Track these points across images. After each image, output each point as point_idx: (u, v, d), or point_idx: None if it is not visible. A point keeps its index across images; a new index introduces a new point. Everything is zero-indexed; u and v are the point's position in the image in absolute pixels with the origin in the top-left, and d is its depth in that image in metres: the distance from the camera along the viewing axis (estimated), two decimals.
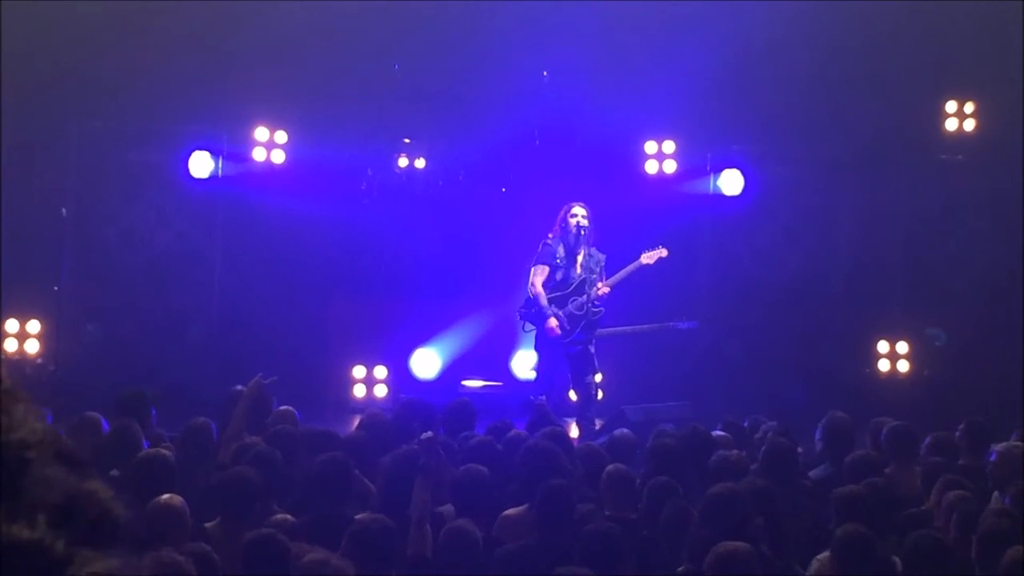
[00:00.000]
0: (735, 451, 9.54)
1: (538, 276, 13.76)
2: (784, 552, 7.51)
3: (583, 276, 13.75)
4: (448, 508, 8.03)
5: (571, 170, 16.32)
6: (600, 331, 14.09)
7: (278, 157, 16.65)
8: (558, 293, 13.74)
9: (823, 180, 17.51)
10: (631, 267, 14.01)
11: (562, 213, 13.84)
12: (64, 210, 16.39)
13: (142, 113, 16.43)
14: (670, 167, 17.05)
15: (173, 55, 16.13)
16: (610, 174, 16.68)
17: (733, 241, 17.50)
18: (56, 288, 16.36)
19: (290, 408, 10.69)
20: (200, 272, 16.91)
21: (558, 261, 13.76)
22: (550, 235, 13.89)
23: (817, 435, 10.15)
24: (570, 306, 13.71)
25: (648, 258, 14.05)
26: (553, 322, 13.57)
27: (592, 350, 13.89)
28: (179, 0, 16.11)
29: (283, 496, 8.28)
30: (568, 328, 13.69)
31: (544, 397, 13.30)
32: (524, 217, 15.88)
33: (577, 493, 8.17)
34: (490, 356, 16.69)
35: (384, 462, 8.34)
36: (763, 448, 9.32)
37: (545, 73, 16.56)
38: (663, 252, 14.08)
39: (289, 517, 7.55)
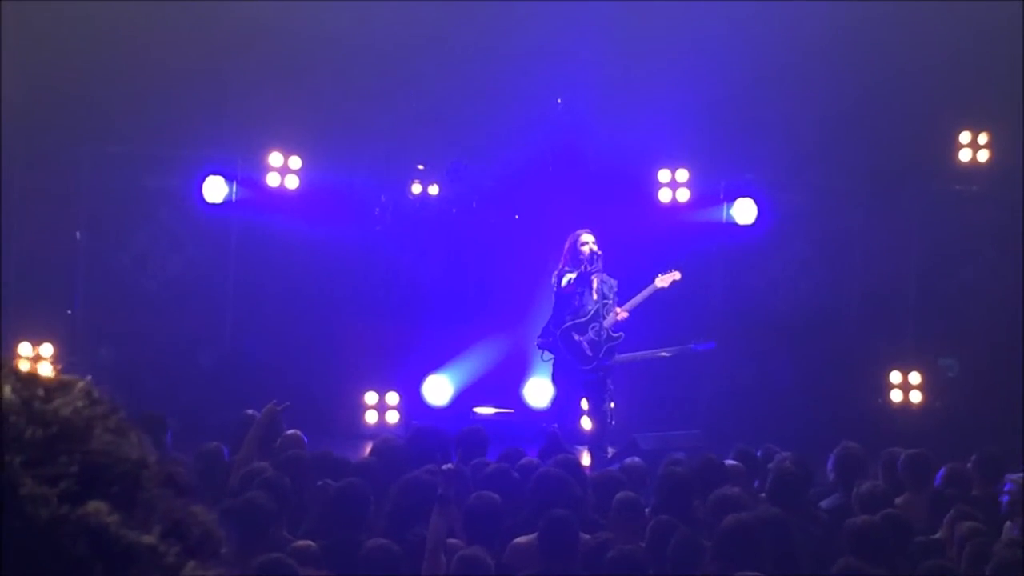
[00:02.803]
0: (736, 488, 9.50)
1: (568, 277, 13.73)
2: None
3: (599, 303, 13.76)
4: (456, 542, 8.02)
5: (584, 198, 16.32)
6: (618, 357, 14.09)
7: (292, 182, 16.68)
8: (577, 320, 13.75)
9: (836, 210, 17.51)
10: (647, 291, 14.03)
11: (570, 242, 13.85)
12: (78, 234, 16.45)
13: (156, 138, 16.47)
14: (683, 195, 17.05)
15: (187, 80, 16.18)
16: (623, 202, 16.68)
17: (746, 270, 17.49)
18: (69, 312, 16.42)
19: (297, 432, 10.68)
20: (213, 297, 16.94)
21: (577, 288, 13.77)
22: (562, 265, 13.89)
23: (829, 465, 10.14)
24: (590, 332, 13.72)
25: (663, 281, 14.06)
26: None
27: (609, 377, 13.90)
28: (194, 27, 16.17)
29: (293, 521, 8.27)
30: (589, 355, 13.70)
31: (557, 424, 13.30)
32: (537, 244, 15.89)
33: (586, 522, 8.16)
34: (502, 383, 16.67)
35: (391, 489, 8.33)
36: (773, 477, 9.30)
37: (560, 100, 16.58)
38: (677, 275, 14.10)
39: (311, 544, 7.54)
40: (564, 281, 13.73)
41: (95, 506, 1.46)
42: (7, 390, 1.51)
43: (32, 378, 1.56)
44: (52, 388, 1.55)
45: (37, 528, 1.43)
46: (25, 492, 1.43)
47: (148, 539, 1.49)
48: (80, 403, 1.54)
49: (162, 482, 1.57)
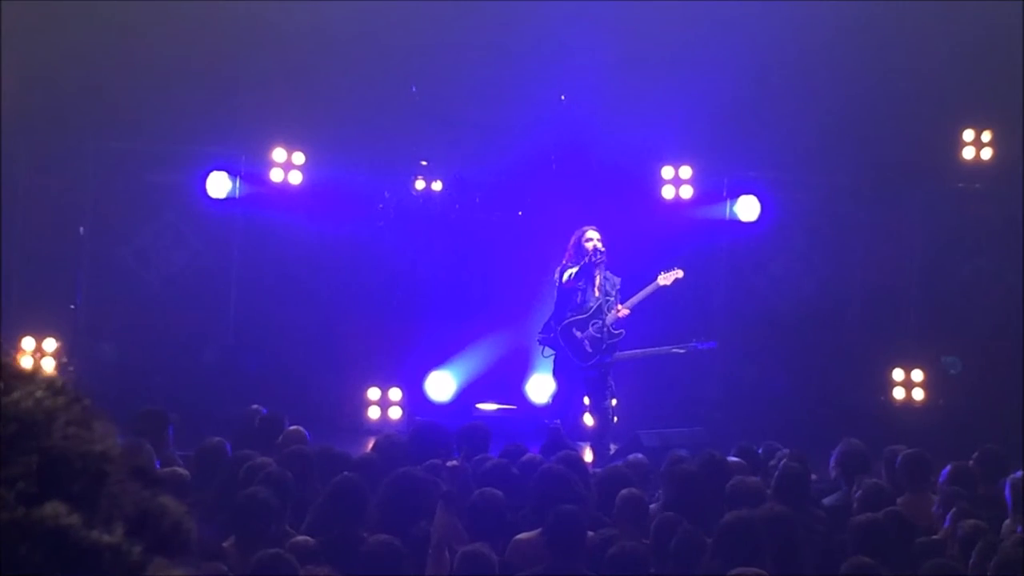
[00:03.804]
0: (754, 477, 9.49)
1: (569, 271, 13.71)
2: None
3: (600, 299, 13.75)
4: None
5: (587, 194, 16.32)
6: (619, 354, 14.09)
7: (295, 178, 16.68)
8: (578, 316, 13.74)
9: (840, 207, 17.51)
10: (649, 288, 14.02)
11: (575, 238, 13.84)
12: (81, 229, 16.47)
13: (160, 134, 16.48)
14: (687, 192, 17.05)
15: (191, 76, 16.19)
16: (626, 199, 16.68)
17: (749, 267, 17.49)
18: (72, 307, 16.43)
19: (300, 428, 10.69)
20: (216, 292, 16.95)
21: (579, 284, 13.76)
22: (565, 261, 13.89)
23: (831, 462, 10.14)
24: (591, 329, 13.71)
25: (665, 279, 14.05)
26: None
27: (610, 374, 13.90)
28: (198, 23, 16.17)
29: (296, 516, 8.27)
30: (590, 351, 13.70)
31: (559, 421, 13.30)
32: (540, 240, 15.89)
33: (589, 518, 8.16)
34: (505, 379, 16.67)
35: (383, 482, 8.30)
36: (777, 474, 9.30)
37: (563, 97, 16.57)
38: (679, 273, 14.09)
39: (310, 540, 7.54)
40: (565, 276, 13.72)
41: (54, 508, 1.41)
42: None
43: None
44: (12, 379, 1.49)
45: None
46: None
47: (110, 539, 1.44)
48: (41, 394, 1.49)
49: (128, 474, 1.52)
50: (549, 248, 14.88)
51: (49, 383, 1.52)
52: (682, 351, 15.22)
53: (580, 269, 13.67)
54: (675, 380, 16.35)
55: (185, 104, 16.26)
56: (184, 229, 16.94)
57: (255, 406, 11.48)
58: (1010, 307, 16.91)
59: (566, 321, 13.77)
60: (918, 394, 17.12)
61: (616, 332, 13.80)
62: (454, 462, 8.02)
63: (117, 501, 1.48)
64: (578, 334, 13.72)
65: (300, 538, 7.56)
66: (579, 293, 13.78)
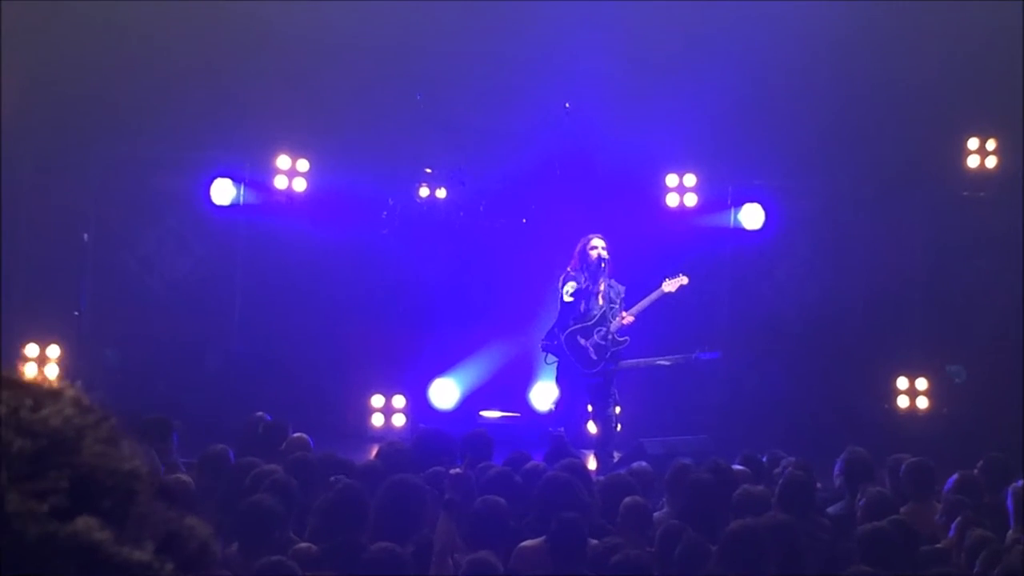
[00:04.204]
0: (760, 486, 9.48)
1: (570, 286, 13.73)
2: None
3: (605, 307, 13.75)
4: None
5: (592, 202, 16.32)
6: (623, 363, 14.08)
7: (299, 185, 16.69)
8: (581, 324, 13.74)
9: (844, 215, 17.51)
10: (653, 295, 14.02)
11: (581, 245, 13.84)
12: (85, 235, 16.46)
13: (164, 140, 16.49)
14: (691, 200, 17.05)
15: (196, 82, 16.21)
16: (631, 206, 16.68)
17: (753, 275, 17.48)
18: (76, 313, 16.43)
19: (303, 435, 10.70)
20: (220, 299, 16.96)
21: (579, 297, 13.77)
22: (569, 268, 13.89)
23: (836, 471, 10.13)
24: (595, 336, 13.71)
25: (670, 286, 14.05)
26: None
27: (614, 382, 13.89)
28: (202, 29, 16.18)
29: (299, 523, 8.27)
30: (594, 359, 13.69)
31: (563, 429, 13.29)
32: (544, 248, 15.90)
33: (593, 527, 8.14)
34: (509, 387, 16.67)
35: (379, 489, 8.28)
36: (781, 482, 9.29)
37: (567, 104, 16.56)
38: (684, 280, 14.09)
39: (312, 547, 7.54)
40: (565, 295, 13.74)
41: (86, 522, 1.40)
42: None
43: (19, 385, 1.49)
44: (41, 396, 1.49)
45: (25, 546, 1.37)
46: (12, 508, 1.38)
47: (141, 555, 1.44)
48: (70, 411, 1.48)
49: (156, 493, 1.52)
50: (553, 255, 14.89)
51: (77, 401, 1.51)
52: (685, 361, 15.22)
53: (577, 290, 13.69)
54: (679, 388, 16.35)
55: (189, 111, 16.28)
56: (188, 235, 16.95)
57: (259, 413, 11.49)
58: (1014, 315, 16.89)
59: (570, 329, 13.77)
60: (922, 402, 17.11)
61: (620, 340, 13.80)
62: (457, 470, 8.01)
63: (145, 520, 1.48)
64: (582, 342, 13.72)
65: (303, 545, 7.55)
66: (583, 301, 13.78)
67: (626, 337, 13.84)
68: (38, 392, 1.50)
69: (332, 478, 8.71)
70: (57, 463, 1.43)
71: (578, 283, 13.75)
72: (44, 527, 1.38)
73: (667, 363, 15.24)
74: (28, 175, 16.29)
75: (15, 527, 1.37)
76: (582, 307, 13.78)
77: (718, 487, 8.99)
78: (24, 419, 1.45)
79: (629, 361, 14.35)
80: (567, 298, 13.78)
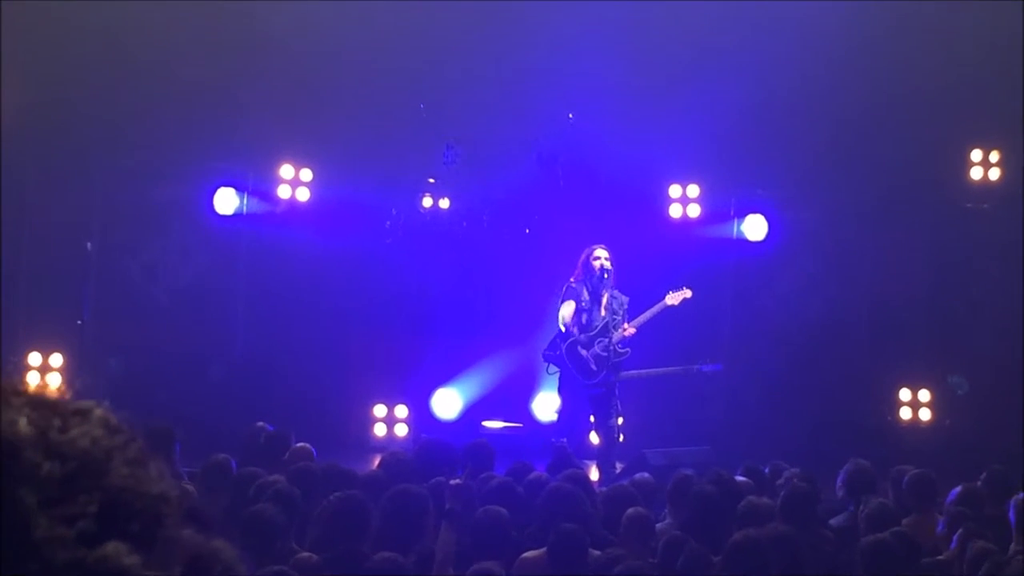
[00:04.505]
0: (765, 498, 9.47)
1: (567, 309, 13.79)
2: None
3: (607, 318, 13.75)
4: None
5: (595, 213, 16.32)
6: (624, 373, 14.08)
7: (303, 195, 16.70)
8: (584, 335, 13.74)
9: (847, 226, 17.50)
10: (656, 308, 14.03)
11: (584, 256, 13.86)
12: (89, 244, 16.48)
13: (168, 149, 16.49)
14: (694, 211, 17.06)
15: (199, 93, 16.21)
16: (634, 217, 16.68)
17: (756, 286, 17.48)
18: (79, 322, 16.45)
19: (307, 445, 10.71)
20: (223, 309, 16.95)
21: (583, 304, 13.78)
22: (572, 279, 13.90)
23: (838, 482, 10.12)
24: (596, 347, 13.71)
25: (673, 299, 14.05)
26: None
27: (616, 393, 13.88)
28: (206, 39, 16.20)
29: (302, 533, 8.27)
30: (595, 369, 13.69)
31: (565, 439, 13.29)
32: (547, 259, 15.89)
33: (595, 537, 8.14)
34: (511, 397, 16.66)
35: (382, 499, 8.29)
36: (784, 493, 9.28)
37: (571, 115, 16.57)
38: (688, 293, 14.09)
39: (314, 556, 7.54)
40: (560, 320, 13.79)
41: (114, 548, 1.39)
42: (22, 422, 1.42)
43: (47, 405, 1.47)
44: (68, 416, 1.47)
45: (53, 572, 1.36)
46: (41, 534, 1.36)
47: None
48: (98, 432, 1.47)
49: (184, 516, 1.51)
50: (556, 266, 14.89)
51: (105, 421, 1.50)
52: (686, 373, 15.23)
53: (577, 309, 13.73)
54: (681, 399, 16.34)
55: (193, 120, 16.28)
56: (191, 245, 16.94)
57: (260, 423, 11.49)
58: (1017, 328, 16.86)
59: (571, 339, 13.78)
60: (925, 414, 17.10)
61: (622, 351, 13.80)
62: (457, 480, 8.01)
63: (172, 544, 1.47)
64: (583, 352, 13.72)
65: (304, 554, 7.56)
66: (584, 312, 13.78)
67: (627, 348, 13.84)
68: (66, 411, 1.48)
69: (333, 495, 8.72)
70: (86, 486, 1.42)
71: (577, 301, 13.77)
72: (73, 553, 1.37)
73: (668, 374, 15.24)
74: (32, 184, 16.29)
75: (44, 553, 1.36)
76: (583, 318, 13.79)
77: (721, 498, 8.98)
78: (52, 440, 1.43)
79: (630, 372, 14.35)
80: (560, 325, 13.84)
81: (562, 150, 16.48)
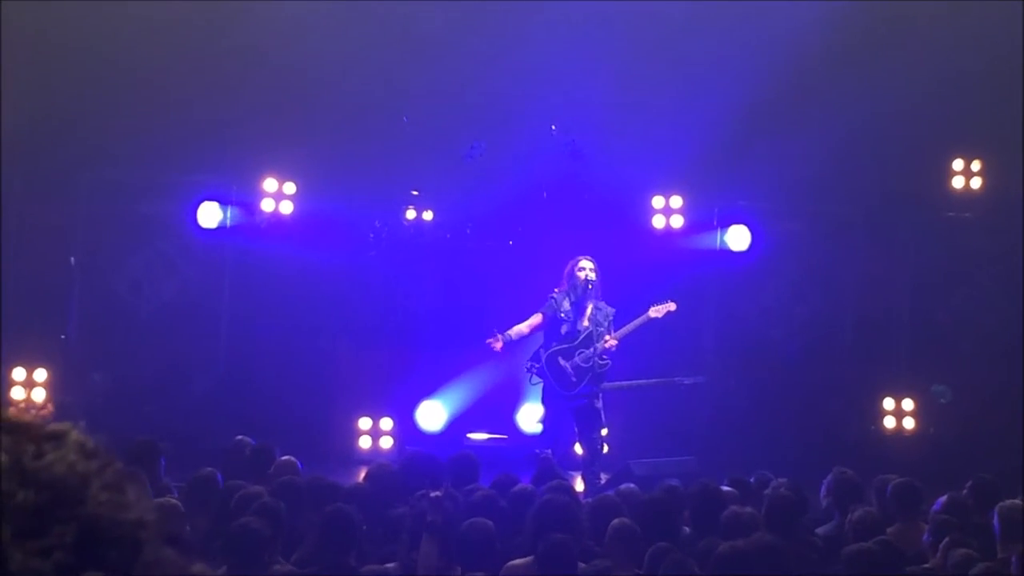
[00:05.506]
0: (748, 508, 9.47)
1: (533, 319, 13.84)
2: None
3: (590, 329, 13.74)
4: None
5: (578, 224, 16.33)
6: (606, 385, 14.07)
7: (286, 208, 16.69)
8: (564, 345, 13.73)
9: (830, 236, 17.54)
10: (639, 320, 14.01)
11: (569, 267, 13.85)
12: (72, 259, 16.45)
13: (151, 163, 16.48)
14: (677, 222, 17.08)
15: (183, 105, 16.20)
16: (617, 228, 16.70)
17: (740, 297, 17.49)
18: (63, 336, 16.42)
19: (292, 458, 10.69)
20: (207, 322, 16.93)
21: (563, 315, 13.77)
22: (556, 289, 13.91)
23: (823, 491, 10.14)
24: (576, 358, 13.70)
25: (657, 311, 14.04)
26: (497, 344, 13.71)
27: (599, 404, 13.86)
28: (189, 53, 16.20)
29: (287, 547, 8.26)
30: (574, 380, 13.68)
31: (550, 451, 13.27)
32: (531, 270, 15.89)
33: (583, 550, 8.14)
34: (496, 409, 16.66)
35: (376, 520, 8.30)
36: (768, 503, 9.29)
37: (553, 127, 16.59)
38: (672, 306, 14.08)
39: (293, 569, 7.54)
40: (557, 309, 13.81)
41: None
42: None
43: (20, 429, 1.43)
44: (43, 441, 1.42)
45: None
46: (16, 568, 1.32)
47: None
48: (74, 457, 1.42)
49: (162, 540, 1.47)
50: (540, 278, 14.88)
51: (80, 445, 1.46)
52: (668, 385, 15.24)
53: (570, 300, 13.72)
54: (666, 409, 16.33)
55: (176, 134, 16.26)
56: (175, 259, 16.92)
57: (240, 437, 11.47)
58: (1000, 336, 16.93)
59: (552, 350, 13.78)
60: (909, 423, 17.13)
61: (602, 362, 13.76)
62: (437, 493, 8.01)
63: (151, 569, 1.43)
64: (563, 363, 13.70)
65: (289, 568, 7.55)
66: (566, 324, 13.78)
67: (608, 360, 13.80)
68: (40, 436, 1.44)
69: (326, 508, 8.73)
70: (62, 516, 1.38)
71: (555, 312, 13.78)
72: None
73: (650, 386, 15.25)
74: (15, 199, 16.25)
75: None
76: (564, 328, 13.79)
77: (681, 505, 9.04)
78: (27, 467, 1.40)
79: (612, 384, 14.34)
80: (522, 327, 13.88)
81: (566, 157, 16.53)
